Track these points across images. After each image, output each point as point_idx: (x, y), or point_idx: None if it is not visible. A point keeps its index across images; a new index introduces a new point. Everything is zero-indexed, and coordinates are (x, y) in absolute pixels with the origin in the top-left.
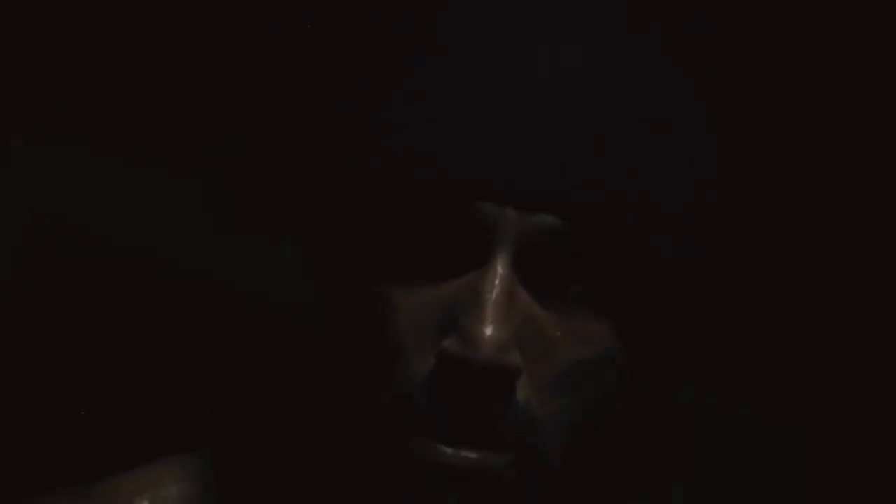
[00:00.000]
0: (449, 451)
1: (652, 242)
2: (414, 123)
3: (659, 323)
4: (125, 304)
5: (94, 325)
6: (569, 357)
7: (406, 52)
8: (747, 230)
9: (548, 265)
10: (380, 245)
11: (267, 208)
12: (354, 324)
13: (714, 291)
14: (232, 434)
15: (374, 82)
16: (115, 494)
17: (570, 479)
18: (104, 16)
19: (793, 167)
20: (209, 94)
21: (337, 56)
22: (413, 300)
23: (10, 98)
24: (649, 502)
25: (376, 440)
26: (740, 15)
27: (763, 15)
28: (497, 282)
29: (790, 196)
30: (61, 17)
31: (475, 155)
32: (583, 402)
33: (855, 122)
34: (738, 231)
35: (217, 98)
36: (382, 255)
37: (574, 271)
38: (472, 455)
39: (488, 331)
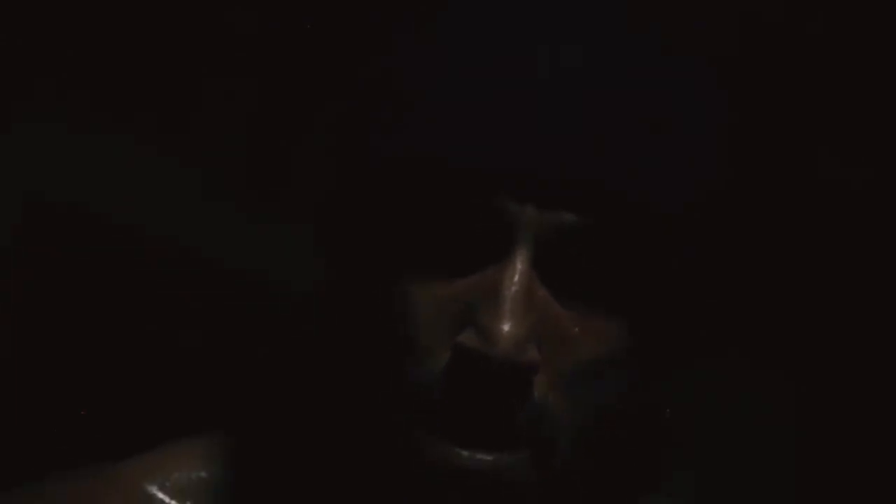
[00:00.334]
0: (465, 453)
1: (671, 240)
2: (437, 118)
3: (675, 319)
4: (133, 288)
5: (95, 303)
6: (586, 353)
7: (430, 42)
8: (763, 215)
9: (566, 262)
10: (397, 238)
11: (274, 190)
12: (369, 315)
13: (731, 285)
14: (243, 419)
15: (394, 75)
16: (123, 478)
17: (584, 474)
18: None
19: (799, 137)
20: (207, 64)
21: (355, 47)
22: (430, 294)
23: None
24: (662, 497)
25: (390, 435)
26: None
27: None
28: (516, 278)
29: (801, 171)
30: None
31: (497, 151)
32: (599, 399)
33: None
34: (754, 220)
35: (218, 76)
36: (399, 248)
37: (592, 269)
38: (488, 457)
39: (506, 327)
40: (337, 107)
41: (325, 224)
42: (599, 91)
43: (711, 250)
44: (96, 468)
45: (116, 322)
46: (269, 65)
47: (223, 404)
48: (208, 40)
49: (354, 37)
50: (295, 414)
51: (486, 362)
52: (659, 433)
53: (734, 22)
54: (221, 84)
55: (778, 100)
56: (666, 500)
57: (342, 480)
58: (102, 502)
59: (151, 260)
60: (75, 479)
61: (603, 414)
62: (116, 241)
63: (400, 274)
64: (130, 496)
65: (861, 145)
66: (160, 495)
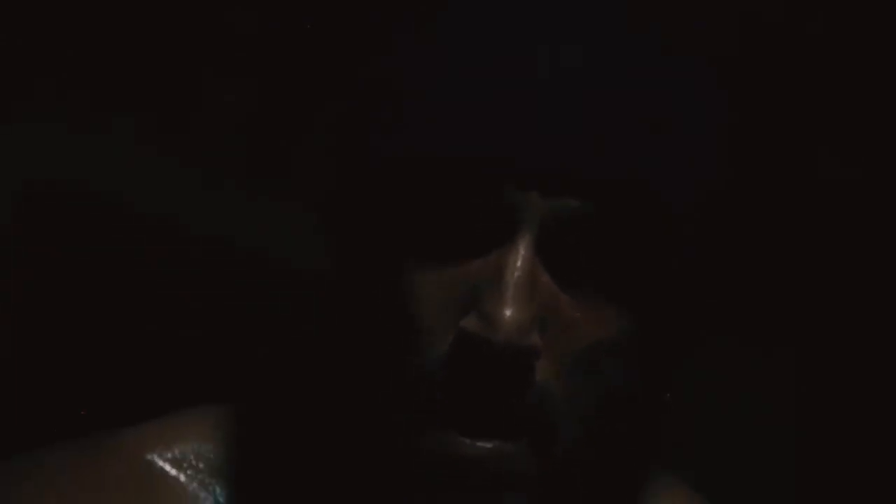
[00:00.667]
0: (466, 441)
1: (673, 229)
2: (438, 113)
3: (675, 306)
4: (133, 280)
5: (95, 302)
6: (587, 340)
7: (430, 42)
8: (763, 212)
9: (570, 248)
10: (400, 227)
11: (278, 168)
12: (373, 302)
13: (731, 276)
14: (247, 394)
15: (394, 75)
16: (124, 447)
17: (585, 461)
18: None
19: (793, 127)
20: (208, 50)
21: (359, 36)
22: (434, 280)
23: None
24: (662, 478)
25: (392, 422)
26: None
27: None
28: (519, 263)
29: (800, 170)
30: None
31: (502, 137)
32: (600, 384)
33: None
34: (755, 214)
35: (219, 56)
36: (403, 237)
37: (595, 256)
38: (489, 445)
39: (508, 312)
40: (337, 106)
41: (328, 216)
42: (599, 84)
43: (712, 240)
44: (97, 437)
45: (116, 321)
46: (269, 64)
47: (227, 383)
48: (208, 39)
49: (354, 36)
50: (298, 394)
51: (489, 347)
52: (660, 419)
53: (734, 22)
54: (222, 83)
55: (778, 100)
56: (667, 481)
57: (342, 463)
58: (103, 471)
59: (153, 248)
60: (76, 448)
61: (604, 400)
62: (118, 229)
63: (403, 261)
64: (131, 465)
65: (861, 145)
66: (161, 464)
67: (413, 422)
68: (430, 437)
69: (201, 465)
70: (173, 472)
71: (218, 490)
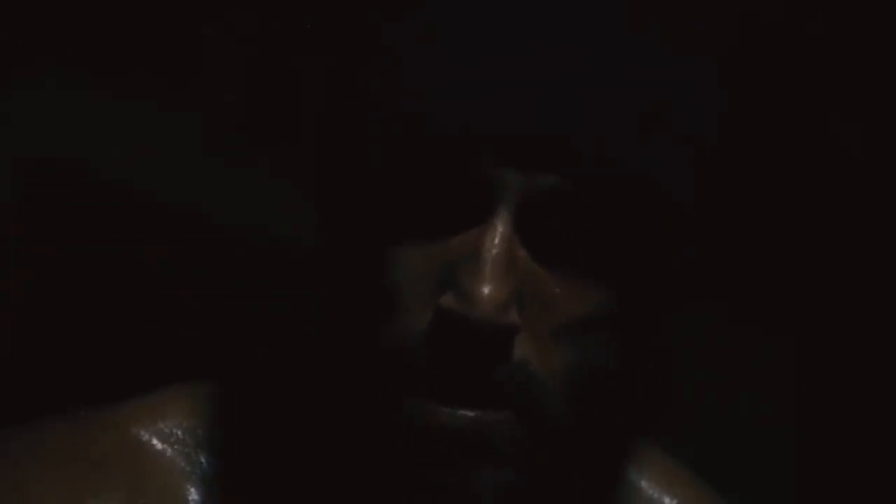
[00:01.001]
0: (446, 410)
1: (654, 201)
2: (417, 78)
3: (655, 280)
4: (129, 237)
5: (95, 301)
6: (568, 313)
7: (415, 7)
8: (749, 174)
9: (549, 224)
10: (381, 202)
11: (265, 141)
12: (356, 277)
13: (717, 245)
14: (237, 370)
15: (373, 35)
16: (115, 422)
17: (569, 432)
18: None
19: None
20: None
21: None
22: (413, 256)
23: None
24: (652, 448)
25: (374, 394)
26: None
27: None
28: (497, 240)
29: (789, 130)
30: None
31: (478, 112)
32: (581, 359)
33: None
34: (740, 176)
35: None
36: (383, 212)
37: (575, 231)
38: (470, 413)
39: (486, 289)
40: (326, 63)
41: (314, 193)
42: (602, 49)
43: (710, 230)
44: (87, 412)
45: (116, 320)
46: (263, 37)
47: (222, 343)
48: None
49: (337, 15)
50: (284, 369)
51: (466, 323)
52: (643, 392)
53: (734, 22)
54: (220, 41)
55: (778, 99)
56: (652, 454)
57: (327, 436)
58: (93, 445)
59: (151, 223)
60: (66, 422)
61: (586, 374)
62: (116, 200)
63: (386, 237)
64: (122, 440)
65: (861, 145)
66: (148, 438)
67: (394, 393)
68: (411, 406)
69: (188, 440)
70: (160, 446)
71: (204, 464)
